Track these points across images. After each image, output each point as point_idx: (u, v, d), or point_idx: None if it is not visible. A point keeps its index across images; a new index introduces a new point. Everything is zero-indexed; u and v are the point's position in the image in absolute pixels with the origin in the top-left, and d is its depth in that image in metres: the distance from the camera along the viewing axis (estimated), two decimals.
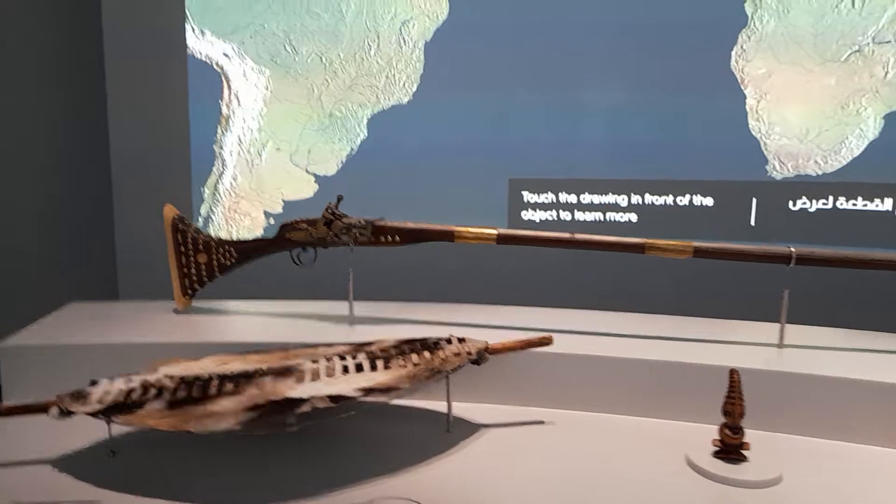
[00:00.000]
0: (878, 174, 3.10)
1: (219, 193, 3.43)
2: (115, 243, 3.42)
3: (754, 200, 3.27)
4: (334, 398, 1.20)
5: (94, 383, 1.28)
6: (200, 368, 1.35)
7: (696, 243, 1.54)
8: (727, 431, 1.23)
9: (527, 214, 3.43)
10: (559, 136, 3.33)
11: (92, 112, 3.51)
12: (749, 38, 3.19)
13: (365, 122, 3.40)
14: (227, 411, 1.18)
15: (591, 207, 3.40)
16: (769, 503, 1.15)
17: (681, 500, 1.17)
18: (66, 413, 1.20)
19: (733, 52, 3.19)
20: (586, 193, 3.40)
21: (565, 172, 3.36)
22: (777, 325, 1.57)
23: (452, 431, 1.40)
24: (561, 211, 3.41)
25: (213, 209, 3.43)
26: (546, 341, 1.41)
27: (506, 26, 3.28)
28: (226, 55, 3.32)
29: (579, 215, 3.41)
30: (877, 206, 3.13)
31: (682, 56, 3.23)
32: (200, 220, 3.38)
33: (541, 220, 3.44)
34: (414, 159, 3.37)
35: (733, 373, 1.24)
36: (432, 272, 3.24)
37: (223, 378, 1.29)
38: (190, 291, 1.77)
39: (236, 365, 1.36)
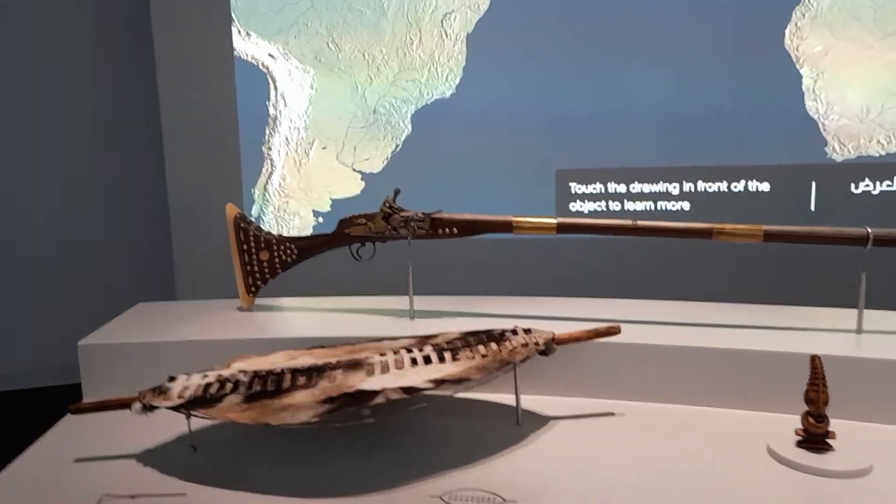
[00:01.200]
0: None
1: (268, 194, 3.48)
2: (174, 247, 3.51)
3: (813, 184, 3.16)
4: (407, 389, 1.20)
5: (172, 379, 1.31)
6: (271, 363, 1.37)
7: (766, 227, 1.49)
8: (811, 420, 1.18)
9: (575, 206, 3.38)
10: (607, 124, 3.28)
11: (147, 120, 3.61)
12: (804, 14, 3.09)
13: (409, 117, 3.40)
14: (302, 404, 1.20)
15: (642, 196, 3.34)
16: (860, 494, 1.11)
17: (766, 490, 1.13)
18: (148, 408, 1.23)
19: (787, 31, 3.09)
20: (636, 182, 3.34)
21: (614, 161, 3.31)
22: (853, 311, 1.50)
23: (522, 424, 1.38)
24: (610, 201, 3.36)
25: (264, 209, 3.48)
26: (614, 331, 1.38)
27: (549, 14, 3.24)
28: (271, 56, 3.36)
29: (629, 205, 3.35)
30: None
31: (733, 37, 3.14)
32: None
33: (589, 210, 3.39)
34: (459, 153, 3.36)
35: (815, 359, 1.20)
36: (491, 265, 3.23)
37: (295, 372, 1.30)
38: (254, 289, 1.80)
39: (305, 359, 1.38)
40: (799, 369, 1.22)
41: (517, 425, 1.38)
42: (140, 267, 3.80)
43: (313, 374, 1.30)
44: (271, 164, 3.46)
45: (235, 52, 3.34)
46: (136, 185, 3.78)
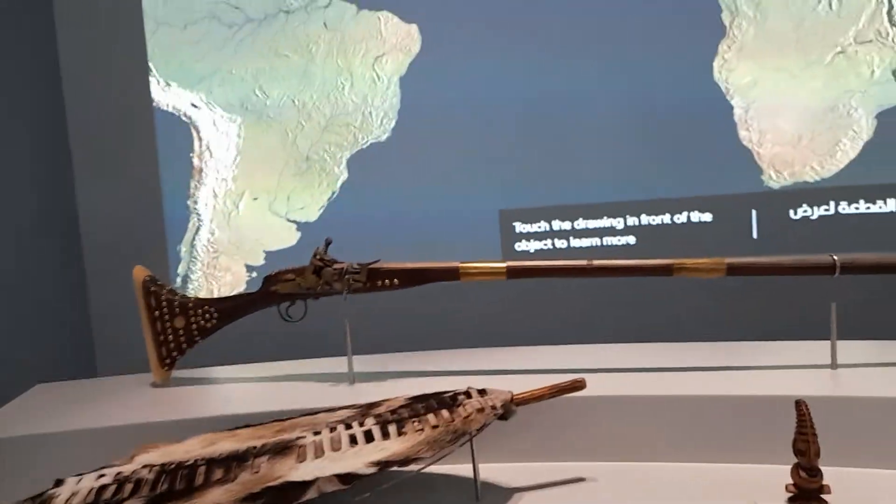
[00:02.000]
0: (878, 175, 3.03)
1: (196, 250, 3.26)
2: (91, 315, 3.22)
3: (754, 212, 3.18)
4: (343, 477, 1.02)
5: (59, 483, 1.08)
6: (184, 452, 1.16)
7: (729, 259, 1.39)
8: (802, 474, 1.06)
9: (521, 245, 3.31)
10: (547, 163, 3.24)
11: (58, 177, 3.34)
12: (730, 47, 3.14)
13: (344, 162, 3.28)
14: None
15: (587, 233, 3.29)
16: None
17: None
18: None
19: (715, 64, 3.13)
20: (580, 219, 3.29)
21: (557, 199, 3.26)
22: (823, 343, 1.42)
23: (482, 499, 1.21)
24: (556, 239, 3.30)
25: (192, 267, 3.25)
26: (578, 385, 1.24)
27: (480, 54, 3.21)
28: (194, 105, 3.19)
29: (575, 242, 3.29)
30: (880, 207, 3.05)
31: (665, 74, 3.17)
32: (178, 279, 3.20)
33: (535, 250, 3.31)
34: (399, 198, 3.25)
35: (800, 404, 1.08)
36: (435, 317, 3.08)
37: (211, 462, 1.10)
38: (168, 361, 1.58)
39: (226, 445, 1.18)
40: (781, 413, 1.11)
41: (476, 501, 1.21)
42: (54, 342, 3.46)
43: (233, 463, 1.10)
44: (198, 219, 3.25)
45: (155, 103, 3.16)
46: (46, 246, 3.47)
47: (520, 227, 3.31)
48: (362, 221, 3.22)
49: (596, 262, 1.44)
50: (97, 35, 3.12)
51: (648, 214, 3.26)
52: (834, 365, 1.40)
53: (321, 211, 3.27)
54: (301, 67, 3.23)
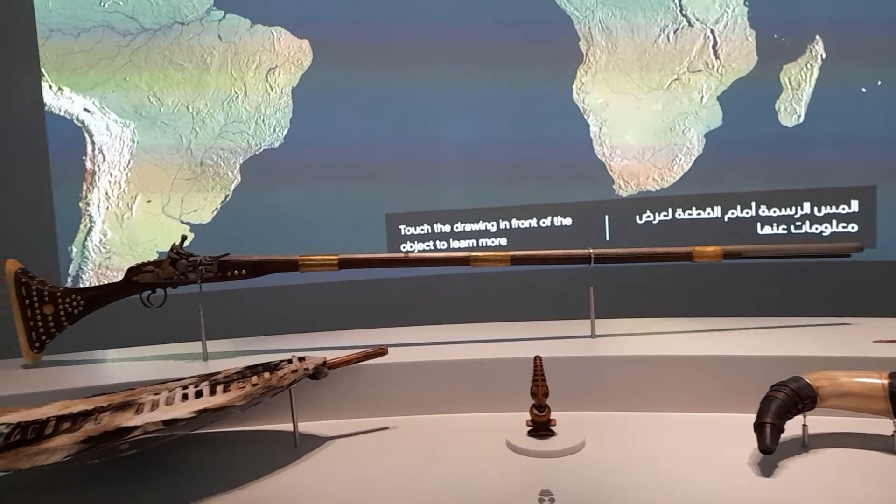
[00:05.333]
0: (707, 186, 3.50)
1: (87, 251, 3.35)
2: None
3: (606, 217, 3.59)
4: (167, 422, 1.27)
5: None
6: (41, 414, 1.37)
7: (513, 252, 1.73)
8: (535, 411, 1.39)
9: (406, 246, 3.58)
10: (430, 171, 3.54)
11: None
12: (586, 72, 3.55)
13: (238, 167, 3.45)
14: (60, 446, 1.22)
15: (465, 235, 3.61)
16: (575, 468, 1.32)
17: (502, 479, 1.31)
18: None
19: (574, 87, 3.53)
20: (459, 223, 3.61)
21: (438, 205, 3.57)
22: (587, 321, 1.77)
23: (300, 446, 1.48)
24: (437, 241, 3.60)
25: (83, 267, 3.34)
26: (381, 352, 1.54)
27: (368, 68, 3.47)
28: (87, 110, 3.29)
29: (454, 243, 3.61)
30: (708, 213, 3.51)
31: (532, 94, 3.54)
32: (69, 280, 3.29)
33: (419, 249, 3.60)
34: (291, 201, 3.46)
35: (536, 359, 1.42)
36: (311, 306, 3.29)
37: (61, 418, 1.32)
38: (38, 344, 1.77)
39: (78, 406, 1.39)
40: (549, 371, 1.44)
41: (295, 448, 1.48)
42: None
43: (80, 418, 1.32)
44: (90, 220, 3.34)
45: (47, 108, 3.24)
46: None
47: (405, 229, 3.59)
48: (255, 224, 3.40)
49: (411, 255, 1.75)
50: None
51: (518, 219, 3.63)
52: (593, 335, 1.76)
53: (215, 213, 3.43)
54: (196, 77, 3.38)
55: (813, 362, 1.43)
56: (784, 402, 1.26)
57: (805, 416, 1.32)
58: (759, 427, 1.25)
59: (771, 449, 1.21)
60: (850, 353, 1.51)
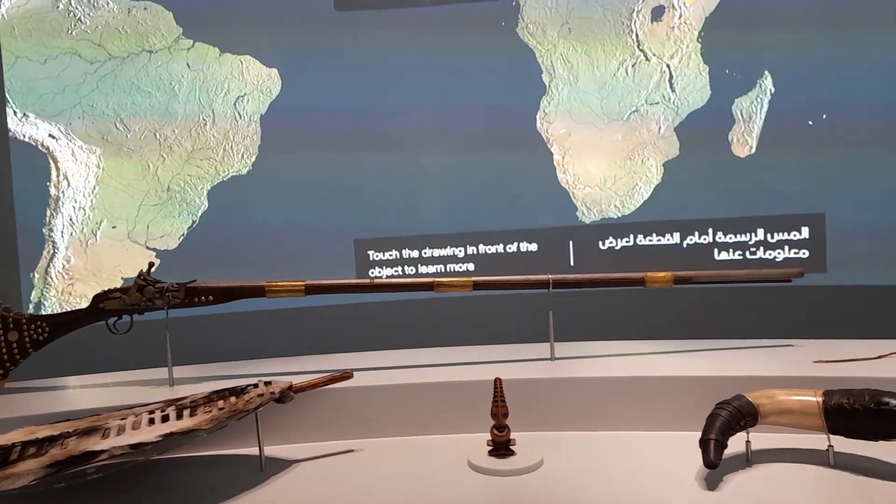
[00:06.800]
0: (666, 213, 3.63)
1: (50, 277, 3.31)
2: None
3: (570, 243, 3.69)
4: (133, 446, 1.28)
5: None
6: (6, 440, 1.38)
7: (475, 277, 1.80)
8: (495, 431, 1.45)
9: (374, 271, 3.62)
10: (398, 197, 3.59)
11: None
12: (549, 103, 3.68)
13: (205, 193, 3.46)
14: (25, 471, 1.23)
15: (433, 260, 3.66)
16: (533, 485, 1.37)
17: (464, 498, 1.36)
18: None
19: (538, 116, 3.65)
20: (427, 248, 3.66)
21: (406, 230, 3.62)
22: (546, 344, 1.84)
23: (266, 470, 1.51)
24: (406, 266, 3.64)
25: (45, 294, 3.30)
26: (347, 376, 1.58)
27: (337, 98, 3.53)
28: (52, 136, 3.28)
29: (423, 268, 3.65)
30: (668, 240, 3.64)
31: (496, 121, 3.64)
32: (31, 307, 3.24)
33: (388, 276, 3.64)
34: (259, 228, 3.47)
35: (497, 381, 1.47)
36: (259, 332, 3.29)
37: (27, 443, 1.32)
38: (2, 371, 1.76)
39: (44, 432, 1.40)
40: (508, 393, 1.49)
41: (260, 471, 1.50)
42: None
43: (46, 443, 1.33)
44: (53, 246, 3.31)
45: (11, 133, 3.22)
46: None
47: (373, 254, 3.63)
48: (222, 250, 3.40)
49: (377, 281, 1.81)
50: None
51: (485, 244, 3.70)
52: (552, 358, 1.83)
53: (181, 239, 3.42)
54: (163, 104, 3.39)
55: (756, 382, 1.51)
56: (727, 420, 1.33)
57: (748, 433, 1.40)
58: (703, 443, 1.32)
59: (715, 463, 1.28)
60: (791, 373, 1.60)
